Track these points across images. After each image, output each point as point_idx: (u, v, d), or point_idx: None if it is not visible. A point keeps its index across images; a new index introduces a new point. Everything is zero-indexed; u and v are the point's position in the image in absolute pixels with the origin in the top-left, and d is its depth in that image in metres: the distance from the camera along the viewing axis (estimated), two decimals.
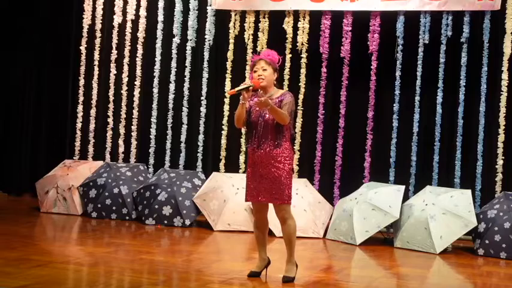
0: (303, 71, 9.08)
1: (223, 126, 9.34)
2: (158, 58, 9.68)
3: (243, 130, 5.81)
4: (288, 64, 9.07)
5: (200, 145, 9.46)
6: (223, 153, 9.35)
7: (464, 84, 8.56)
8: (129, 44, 9.80)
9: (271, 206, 5.93)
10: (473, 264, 7.27)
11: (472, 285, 6.50)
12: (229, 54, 9.36)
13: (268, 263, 5.99)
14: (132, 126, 9.77)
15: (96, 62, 9.98)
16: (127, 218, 8.75)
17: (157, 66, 9.69)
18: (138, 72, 9.78)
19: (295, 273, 5.87)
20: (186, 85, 9.57)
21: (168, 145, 9.61)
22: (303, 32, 9.06)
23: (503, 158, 8.39)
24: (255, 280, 5.86)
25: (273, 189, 5.75)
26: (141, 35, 9.75)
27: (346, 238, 7.97)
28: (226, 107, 9.31)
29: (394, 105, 8.79)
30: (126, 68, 9.83)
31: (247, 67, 9.19)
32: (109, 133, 9.87)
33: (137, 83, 9.79)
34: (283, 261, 5.96)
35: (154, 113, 9.68)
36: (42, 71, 10.36)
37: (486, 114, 8.50)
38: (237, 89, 5.73)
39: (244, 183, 8.39)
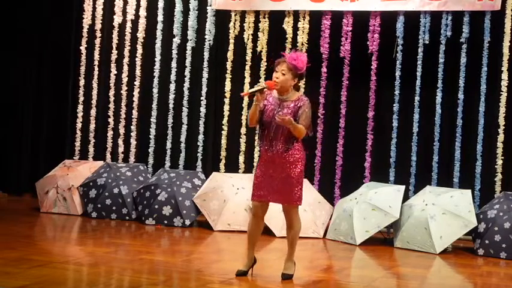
0: None
1: (223, 126, 9.33)
2: (158, 58, 9.68)
3: (257, 129, 5.85)
4: None
5: (200, 145, 9.46)
6: (223, 153, 9.34)
7: (463, 84, 8.55)
8: (129, 44, 9.80)
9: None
10: (473, 264, 7.27)
11: (472, 285, 6.51)
12: (229, 54, 9.36)
13: (255, 261, 6.01)
14: (132, 126, 9.77)
15: (96, 62, 9.98)
16: (127, 218, 8.75)
17: (157, 66, 9.68)
18: (138, 72, 9.78)
19: (294, 271, 5.91)
20: (186, 85, 9.56)
21: (168, 145, 9.61)
22: (303, 32, 9.05)
23: (502, 158, 8.38)
24: (255, 280, 5.86)
25: (284, 190, 5.76)
26: (141, 35, 9.75)
27: (346, 238, 7.97)
28: (226, 107, 9.31)
29: (394, 105, 8.79)
30: (126, 68, 9.83)
31: (247, 67, 9.20)
32: (109, 133, 9.87)
33: (137, 83, 9.79)
34: (283, 260, 5.98)
35: (154, 113, 9.68)
36: (42, 70, 10.35)
37: (486, 114, 8.49)
38: (250, 90, 5.79)
39: (245, 183, 8.48)
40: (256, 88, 5.74)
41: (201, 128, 9.49)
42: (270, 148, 5.77)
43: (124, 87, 9.82)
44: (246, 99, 9.11)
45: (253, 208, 5.92)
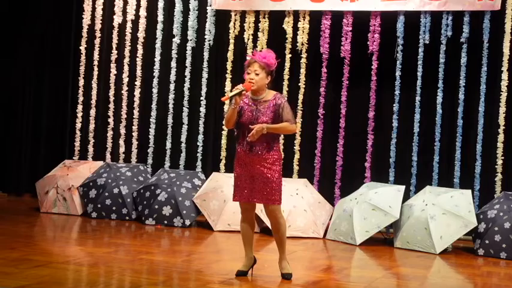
0: (303, 71, 9.08)
1: (223, 126, 9.33)
2: (158, 58, 9.68)
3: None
4: (288, 64, 9.07)
5: (200, 145, 9.46)
6: (223, 153, 9.34)
7: (464, 84, 8.56)
8: (129, 44, 9.80)
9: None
10: (473, 264, 7.27)
11: (472, 285, 6.51)
12: (229, 54, 9.36)
13: (255, 261, 6.02)
14: (132, 126, 9.77)
15: (96, 62, 9.98)
16: (127, 218, 8.75)
17: (157, 66, 9.69)
18: (138, 72, 9.78)
19: (291, 269, 5.95)
20: (186, 85, 9.57)
21: (168, 145, 9.61)
22: (303, 32, 9.06)
23: (502, 158, 8.39)
24: (255, 280, 5.86)
25: (265, 190, 5.78)
26: (141, 35, 9.75)
27: (346, 238, 7.97)
28: (226, 107, 9.31)
29: (394, 105, 8.79)
30: (126, 68, 9.83)
31: None
32: (109, 133, 9.87)
33: (137, 83, 9.79)
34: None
35: (154, 113, 9.68)
36: (42, 71, 10.36)
37: (486, 114, 8.50)
38: (230, 94, 5.79)
39: None
40: (235, 91, 5.74)
41: (201, 128, 9.49)
42: (250, 149, 5.78)
43: (124, 87, 9.82)
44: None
45: (240, 209, 5.96)
